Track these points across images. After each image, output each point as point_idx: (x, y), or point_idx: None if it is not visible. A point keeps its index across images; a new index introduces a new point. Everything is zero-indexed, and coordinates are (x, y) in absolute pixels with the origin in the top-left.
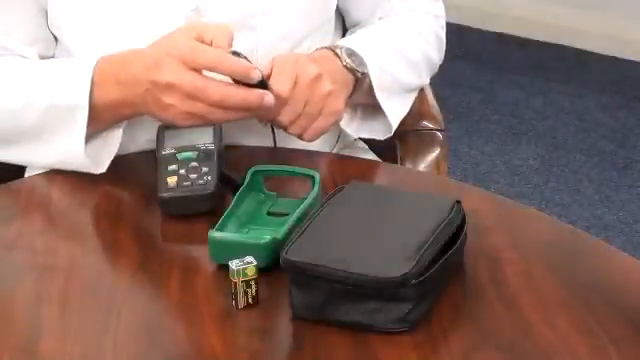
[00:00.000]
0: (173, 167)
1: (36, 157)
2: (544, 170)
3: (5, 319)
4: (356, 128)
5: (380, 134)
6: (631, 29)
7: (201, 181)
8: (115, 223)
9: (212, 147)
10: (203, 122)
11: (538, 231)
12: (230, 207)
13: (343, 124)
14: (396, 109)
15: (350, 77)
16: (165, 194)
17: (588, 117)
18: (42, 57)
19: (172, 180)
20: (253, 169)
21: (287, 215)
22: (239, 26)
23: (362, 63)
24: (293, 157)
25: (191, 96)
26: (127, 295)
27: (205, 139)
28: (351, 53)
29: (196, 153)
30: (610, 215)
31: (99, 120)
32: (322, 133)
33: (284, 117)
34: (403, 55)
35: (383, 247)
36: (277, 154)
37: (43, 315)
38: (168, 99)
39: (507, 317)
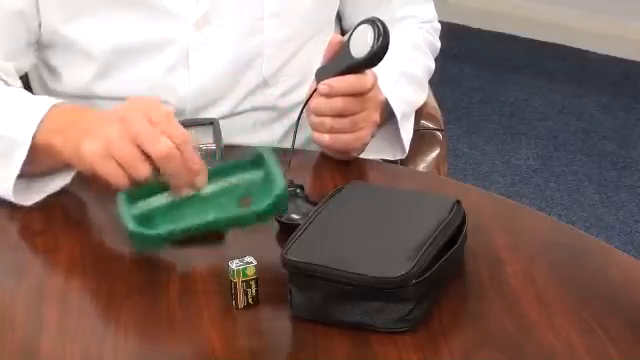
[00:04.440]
0: None
1: None
2: (544, 170)
3: (5, 319)
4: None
5: (389, 155)
6: (631, 29)
7: None
8: (115, 223)
9: (213, 147)
10: (114, 177)
11: (538, 231)
12: None
13: None
14: (409, 132)
15: None
16: None
17: (588, 117)
18: (18, 71)
19: None
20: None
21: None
22: (247, 30)
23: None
24: (292, 156)
25: (137, 138)
26: (127, 295)
27: (206, 139)
28: None
29: (197, 153)
30: (610, 215)
31: (36, 160)
32: (329, 148)
33: (322, 107)
34: (412, 77)
35: (383, 247)
36: (276, 153)
37: (43, 315)
38: (108, 129)
39: (507, 317)
